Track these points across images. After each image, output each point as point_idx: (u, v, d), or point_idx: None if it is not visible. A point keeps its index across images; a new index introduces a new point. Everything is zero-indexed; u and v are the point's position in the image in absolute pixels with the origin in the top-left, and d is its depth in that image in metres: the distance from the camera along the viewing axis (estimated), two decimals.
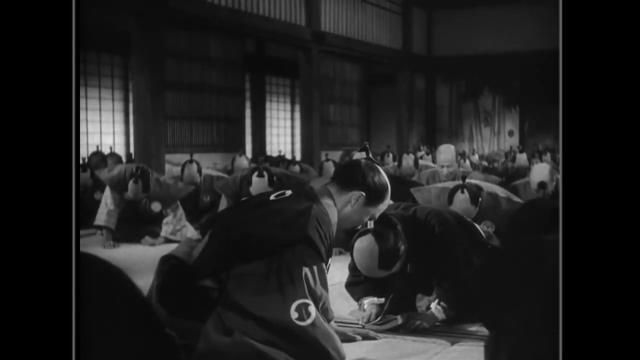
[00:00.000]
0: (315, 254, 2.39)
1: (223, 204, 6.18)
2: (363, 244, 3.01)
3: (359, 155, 2.75)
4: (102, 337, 0.94)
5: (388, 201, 2.76)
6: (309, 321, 2.29)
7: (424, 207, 3.48)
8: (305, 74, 12.09)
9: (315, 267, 2.37)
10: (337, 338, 2.40)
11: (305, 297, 2.31)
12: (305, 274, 2.34)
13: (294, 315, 2.29)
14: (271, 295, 2.30)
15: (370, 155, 2.76)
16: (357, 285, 3.42)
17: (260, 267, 2.34)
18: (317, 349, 2.30)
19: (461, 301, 3.13)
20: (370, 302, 3.26)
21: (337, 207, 2.60)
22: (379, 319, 3.16)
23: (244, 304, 2.29)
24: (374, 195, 2.65)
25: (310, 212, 2.44)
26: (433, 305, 3.18)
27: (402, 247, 3.06)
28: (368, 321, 3.15)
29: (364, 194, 2.62)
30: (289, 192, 2.60)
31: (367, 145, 2.82)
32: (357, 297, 3.39)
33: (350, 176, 2.63)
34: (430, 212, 3.30)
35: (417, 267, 3.24)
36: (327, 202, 2.57)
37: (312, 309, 2.32)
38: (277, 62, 13.99)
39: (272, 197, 2.59)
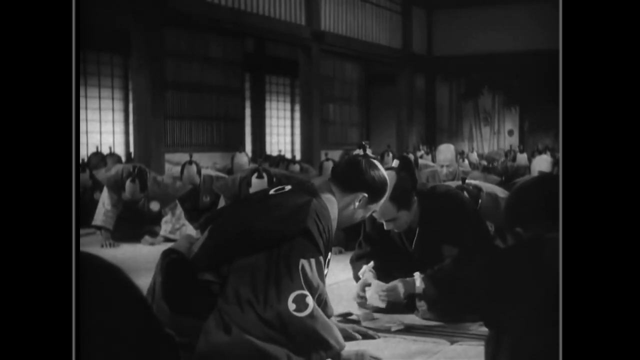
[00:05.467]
0: (313, 247, 2.41)
1: (222, 204, 6.18)
2: None
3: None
4: (102, 336, 0.94)
5: (387, 194, 2.79)
6: (306, 312, 2.31)
7: (444, 184, 3.60)
8: (305, 74, 12.09)
9: (312, 260, 2.38)
10: (335, 328, 2.41)
11: (302, 289, 2.32)
12: (303, 266, 2.35)
13: (291, 306, 2.30)
14: (269, 287, 2.31)
15: (367, 151, 2.77)
16: (361, 259, 3.46)
17: (260, 259, 2.35)
18: (317, 339, 2.31)
19: (445, 296, 3.14)
20: (368, 268, 3.29)
21: (338, 206, 2.61)
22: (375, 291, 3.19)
23: (243, 296, 2.30)
24: (376, 193, 2.67)
25: (310, 205, 2.46)
26: (417, 275, 3.19)
27: (416, 200, 3.24)
28: (364, 288, 3.18)
29: (366, 195, 2.63)
30: (288, 187, 2.62)
31: (365, 144, 2.85)
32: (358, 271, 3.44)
33: (351, 177, 2.64)
34: (450, 190, 3.47)
35: (424, 241, 3.30)
36: (327, 196, 2.59)
37: (310, 300, 2.33)
38: (277, 61, 13.99)
39: (271, 192, 2.61)
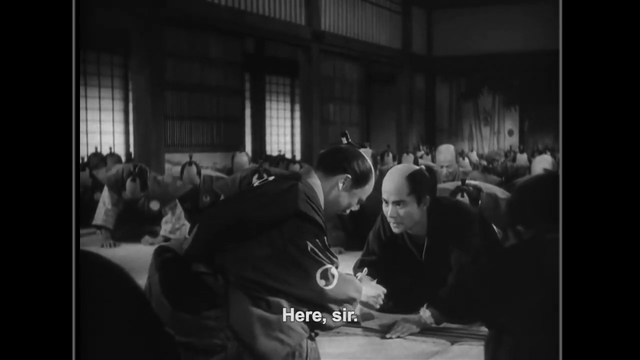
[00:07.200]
0: (314, 227, 2.47)
1: None
2: (401, 164, 3.22)
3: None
4: (102, 335, 0.95)
5: (373, 183, 2.80)
6: (334, 282, 2.43)
7: (451, 197, 3.68)
8: (305, 74, 12.09)
9: (317, 240, 2.44)
10: (353, 279, 2.60)
11: (323, 265, 2.42)
12: (312, 249, 2.42)
13: (321, 283, 2.41)
14: (293, 275, 2.38)
15: (350, 140, 2.81)
16: (363, 265, 3.44)
17: (262, 247, 2.38)
18: (346, 299, 2.48)
19: (456, 305, 3.12)
20: (363, 274, 3.29)
21: (324, 191, 2.65)
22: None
23: (268, 288, 2.36)
24: (360, 177, 2.70)
25: (297, 186, 2.52)
26: (422, 310, 3.15)
27: (428, 200, 3.28)
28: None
29: (350, 176, 2.66)
30: (271, 178, 2.67)
31: (347, 132, 2.90)
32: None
33: (334, 162, 2.68)
34: (458, 202, 3.56)
35: (433, 253, 3.31)
36: (312, 180, 2.62)
37: (334, 270, 2.44)
38: (277, 61, 13.99)
39: (256, 184, 2.66)
